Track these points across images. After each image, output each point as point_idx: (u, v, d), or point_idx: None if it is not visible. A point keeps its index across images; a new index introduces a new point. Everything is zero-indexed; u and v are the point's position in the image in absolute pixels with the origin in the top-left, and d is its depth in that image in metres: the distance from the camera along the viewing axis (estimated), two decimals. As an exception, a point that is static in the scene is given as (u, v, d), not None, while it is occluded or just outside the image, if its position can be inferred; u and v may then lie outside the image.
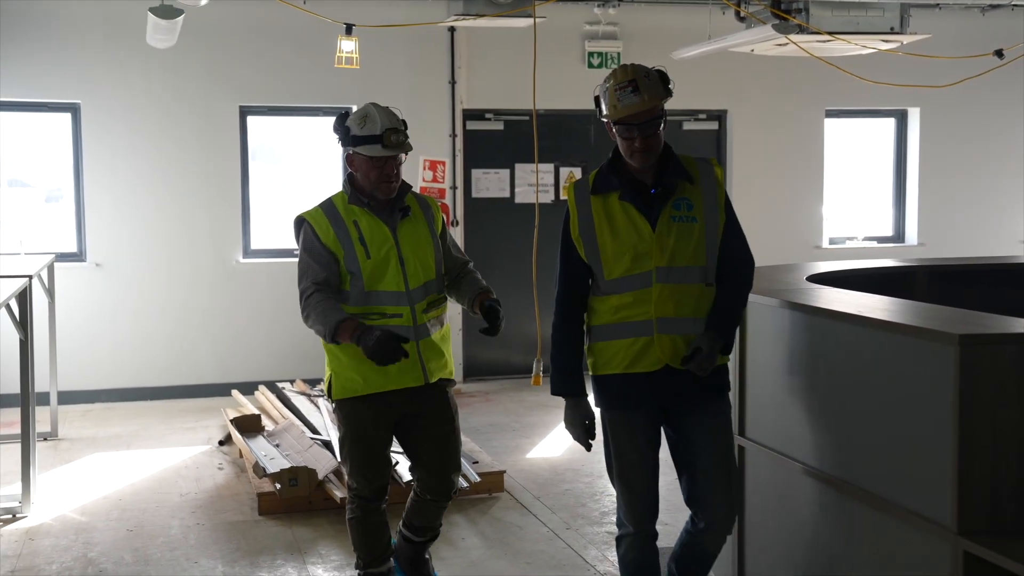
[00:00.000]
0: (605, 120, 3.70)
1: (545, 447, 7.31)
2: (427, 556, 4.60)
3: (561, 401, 3.83)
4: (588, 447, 3.79)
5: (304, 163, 9.71)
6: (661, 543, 3.87)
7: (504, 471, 6.35)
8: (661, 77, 3.64)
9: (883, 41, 7.50)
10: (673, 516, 4.69)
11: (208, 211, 9.03)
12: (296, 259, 4.24)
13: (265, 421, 7.22)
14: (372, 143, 4.07)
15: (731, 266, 3.72)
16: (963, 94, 9.29)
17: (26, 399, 5.98)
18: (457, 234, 9.28)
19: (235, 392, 8.35)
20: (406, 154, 4.17)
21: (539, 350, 6.44)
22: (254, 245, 9.25)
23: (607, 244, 3.66)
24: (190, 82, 8.91)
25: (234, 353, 9.06)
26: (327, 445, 6.37)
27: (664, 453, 3.81)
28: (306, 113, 9.34)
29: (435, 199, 4.58)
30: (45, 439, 7.43)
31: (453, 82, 9.42)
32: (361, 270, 4.09)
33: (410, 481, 5.58)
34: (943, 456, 3.17)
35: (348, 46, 7.64)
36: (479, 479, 6.06)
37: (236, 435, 6.96)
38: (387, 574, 4.37)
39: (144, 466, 6.90)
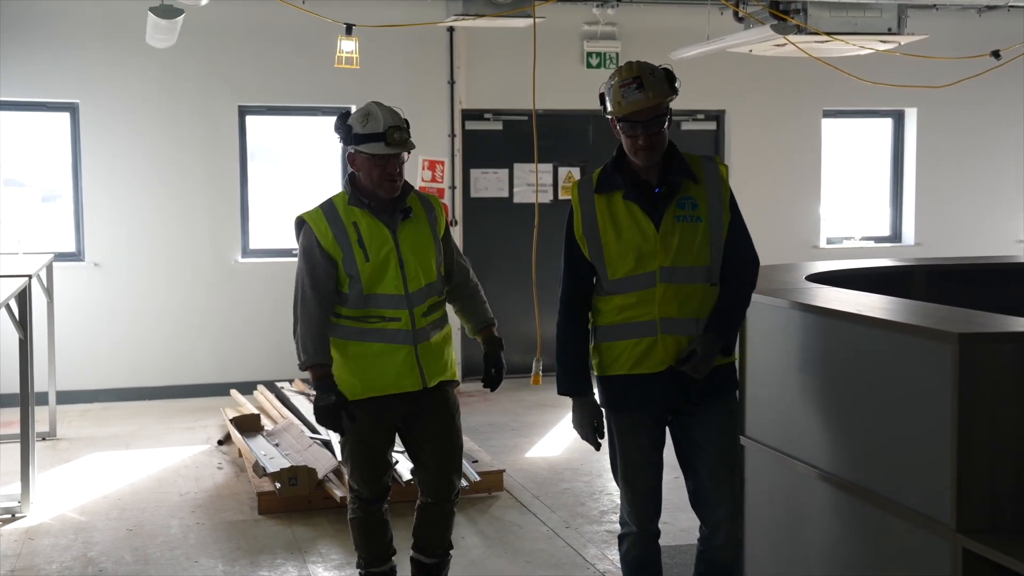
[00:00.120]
0: (609, 117, 3.65)
1: (544, 446, 7.32)
2: None
3: (561, 400, 3.81)
4: (597, 446, 3.77)
5: (303, 163, 9.71)
6: (661, 542, 3.86)
7: (503, 470, 6.35)
8: (667, 75, 3.60)
9: (881, 42, 7.51)
10: (673, 516, 4.69)
11: (207, 211, 9.03)
12: (296, 259, 4.23)
13: (264, 421, 7.23)
14: (375, 141, 4.02)
15: (736, 266, 3.67)
16: (960, 94, 9.31)
17: (25, 399, 5.98)
18: (456, 234, 9.28)
19: (234, 392, 8.35)
20: (409, 152, 4.14)
21: (539, 350, 6.45)
22: (253, 245, 9.25)
23: (611, 243, 3.62)
24: (189, 82, 8.91)
25: (233, 353, 9.06)
26: (327, 444, 6.37)
27: (668, 454, 3.78)
28: (305, 113, 9.35)
29: (438, 198, 4.55)
30: (44, 439, 7.43)
31: (452, 82, 9.43)
32: (359, 273, 4.04)
33: (410, 480, 5.61)
34: (942, 454, 3.18)
35: (348, 46, 7.64)
36: (479, 478, 6.07)
37: (235, 435, 6.97)
38: (389, 573, 4.36)
39: (143, 466, 6.91)
